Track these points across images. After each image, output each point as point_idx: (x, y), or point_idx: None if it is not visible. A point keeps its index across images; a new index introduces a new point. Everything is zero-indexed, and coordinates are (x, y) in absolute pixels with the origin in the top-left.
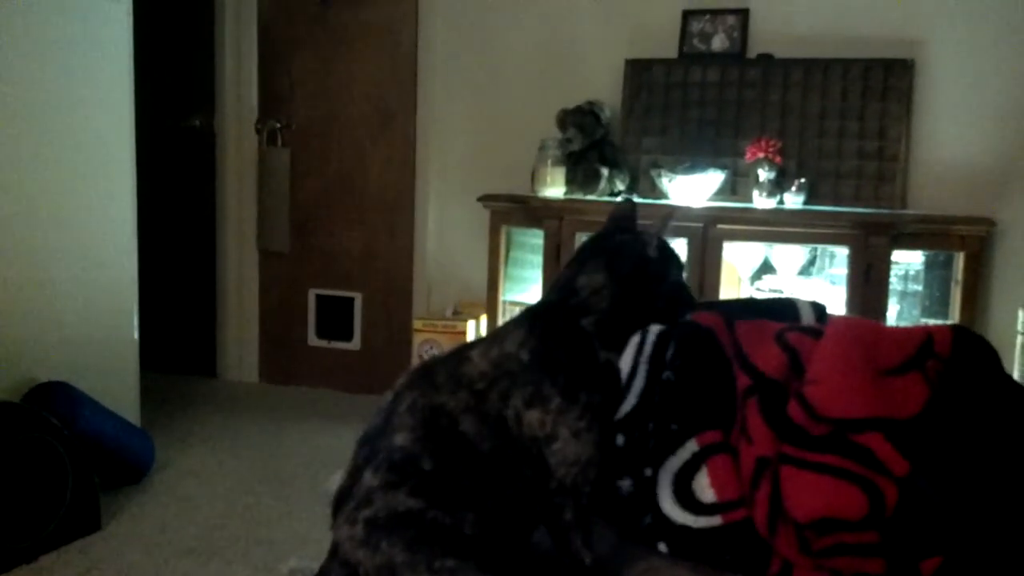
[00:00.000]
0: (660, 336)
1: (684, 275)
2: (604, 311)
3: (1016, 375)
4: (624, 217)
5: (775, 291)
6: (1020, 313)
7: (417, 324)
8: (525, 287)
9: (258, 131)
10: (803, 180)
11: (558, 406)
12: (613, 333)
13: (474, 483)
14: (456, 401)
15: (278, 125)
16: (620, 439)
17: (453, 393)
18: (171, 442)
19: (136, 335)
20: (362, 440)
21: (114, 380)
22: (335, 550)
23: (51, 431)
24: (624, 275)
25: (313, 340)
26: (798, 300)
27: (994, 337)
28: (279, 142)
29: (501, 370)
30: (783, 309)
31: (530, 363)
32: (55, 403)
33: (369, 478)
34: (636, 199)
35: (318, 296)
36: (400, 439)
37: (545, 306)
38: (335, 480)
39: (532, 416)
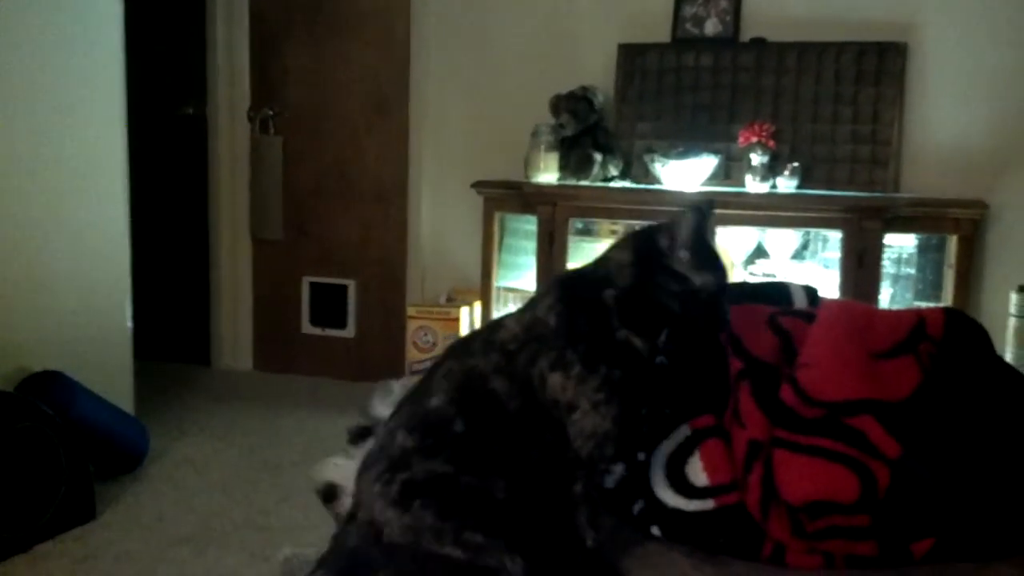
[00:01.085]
0: None
1: (718, 284)
2: (625, 288)
3: (1008, 357)
4: (695, 209)
5: (768, 275)
6: (1013, 296)
7: (411, 311)
8: (519, 273)
9: (251, 119)
10: (796, 164)
11: (579, 373)
12: (632, 312)
13: (502, 446)
14: (487, 362)
15: (271, 113)
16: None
17: (485, 355)
18: (166, 431)
19: (129, 324)
20: (397, 407)
21: (108, 369)
22: (355, 510)
23: (45, 420)
24: (645, 257)
25: (307, 328)
26: (791, 284)
27: (987, 320)
28: (272, 130)
29: (531, 334)
30: (776, 293)
31: (556, 328)
32: (49, 392)
33: (403, 438)
34: (630, 184)
35: (312, 284)
36: (435, 401)
37: (577, 273)
38: (324, 466)
39: (555, 379)
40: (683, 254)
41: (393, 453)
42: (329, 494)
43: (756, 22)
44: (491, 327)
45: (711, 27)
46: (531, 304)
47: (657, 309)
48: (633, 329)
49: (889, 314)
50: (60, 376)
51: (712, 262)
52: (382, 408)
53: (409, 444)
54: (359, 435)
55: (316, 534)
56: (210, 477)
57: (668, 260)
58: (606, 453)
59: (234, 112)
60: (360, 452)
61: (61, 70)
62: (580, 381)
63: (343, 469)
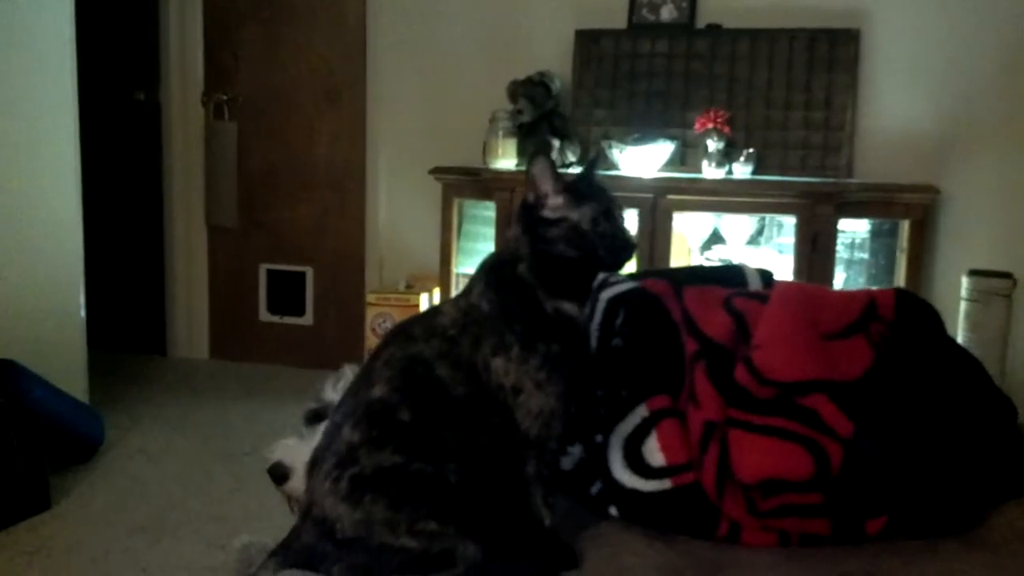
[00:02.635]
0: (610, 303)
1: (599, 209)
2: (528, 257)
3: (960, 340)
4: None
5: (724, 260)
6: (964, 279)
7: (370, 298)
8: (478, 260)
9: (204, 104)
10: (751, 151)
11: (518, 355)
12: (551, 280)
13: (451, 430)
14: (430, 348)
15: (224, 98)
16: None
17: (427, 342)
18: (121, 420)
19: (82, 312)
20: (342, 399)
21: (61, 358)
22: (308, 509)
23: None
24: (526, 220)
25: (264, 315)
26: (745, 267)
27: (939, 303)
28: (226, 116)
29: (470, 318)
30: (731, 276)
31: (489, 313)
32: (2, 382)
33: (348, 433)
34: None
35: (268, 271)
36: (378, 391)
37: (495, 258)
38: (276, 447)
39: (497, 364)
40: (556, 199)
41: (340, 449)
42: (280, 475)
43: (711, 8)
44: (430, 313)
45: (667, 13)
46: (467, 290)
47: (557, 262)
48: (557, 296)
49: (841, 295)
50: (13, 365)
51: (590, 194)
52: (333, 393)
53: (355, 439)
54: (312, 419)
55: (272, 522)
56: (165, 466)
57: (541, 211)
58: (553, 431)
59: (187, 98)
60: (312, 434)
61: (10, 56)
62: (521, 362)
63: (294, 450)
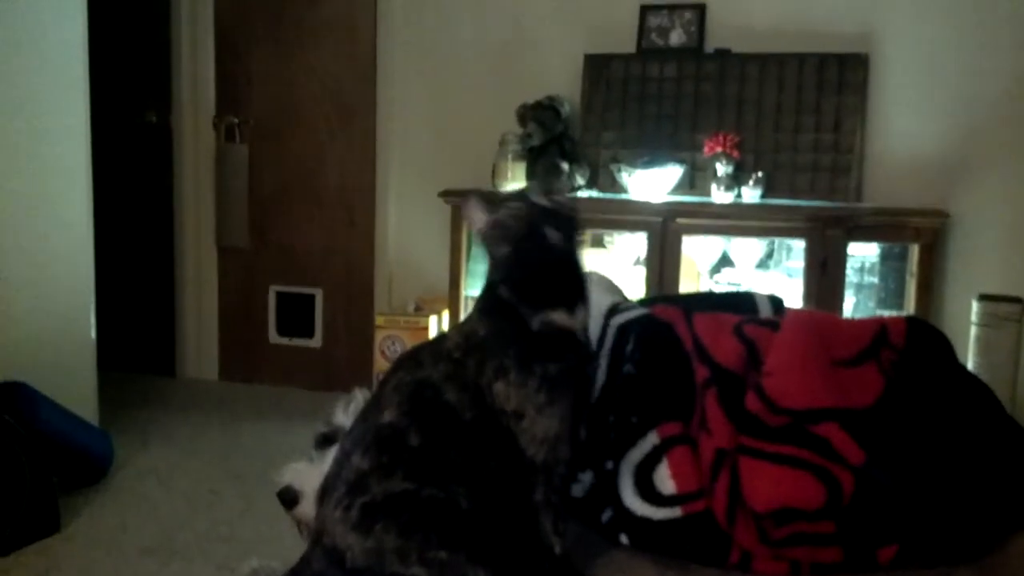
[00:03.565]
0: (620, 330)
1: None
2: (504, 276)
3: (970, 365)
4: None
5: (733, 285)
6: (974, 304)
7: (379, 320)
8: None
9: (215, 127)
10: (760, 174)
11: (516, 379)
12: (528, 289)
13: (461, 455)
14: (438, 372)
15: (236, 121)
16: (582, 432)
17: (435, 366)
18: (130, 441)
19: (93, 333)
20: (353, 425)
21: (71, 379)
22: (319, 537)
23: (8, 432)
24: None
25: (274, 337)
26: (756, 294)
27: (949, 327)
28: (237, 138)
29: (471, 343)
30: (741, 303)
31: (486, 337)
32: (12, 403)
33: (358, 461)
34: (596, 194)
35: (278, 293)
36: (387, 416)
37: (484, 284)
38: (286, 470)
39: (499, 388)
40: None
41: (350, 477)
42: (290, 499)
43: (720, 32)
44: (437, 339)
45: (676, 38)
46: (468, 316)
47: (521, 265)
48: (541, 306)
49: (852, 323)
50: (23, 387)
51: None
52: (344, 417)
53: (365, 466)
54: (322, 442)
55: (282, 545)
56: (175, 488)
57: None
58: (560, 455)
59: (198, 119)
60: (324, 457)
61: (24, 78)
62: (520, 386)
63: (304, 474)
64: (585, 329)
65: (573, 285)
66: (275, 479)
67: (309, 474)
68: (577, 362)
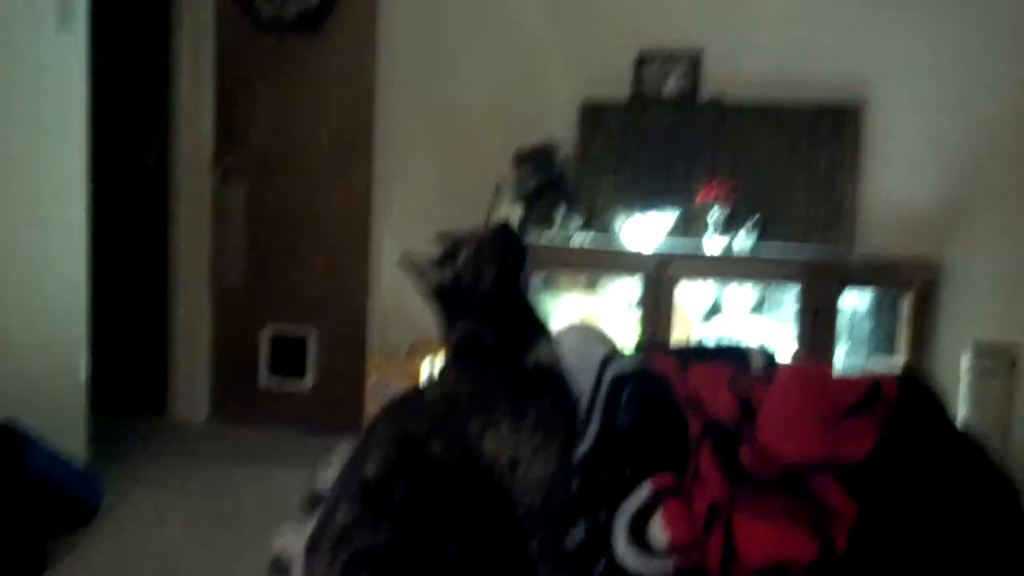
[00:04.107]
0: (614, 382)
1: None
2: (483, 322)
3: (962, 414)
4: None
5: (726, 331)
6: (966, 353)
7: (371, 363)
8: None
9: (213, 168)
10: (754, 221)
11: (509, 427)
12: (519, 333)
13: (447, 505)
14: (421, 424)
15: (233, 162)
16: (575, 483)
17: (418, 417)
18: (119, 484)
19: (83, 376)
20: (337, 477)
21: (62, 421)
22: None
23: None
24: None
25: (265, 379)
26: (748, 347)
27: (941, 376)
28: (234, 178)
29: (454, 398)
30: (733, 356)
31: (472, 394)
32: (1, 446)
33: (343, 513)
34: (591, 237)
35: (271, 334)
36: (371, 468)
37: (456, 346)
38: (281, 538)
39: (488, 443)
40: (438, 275)
41: (335, 529)
42: (281, 569)
43: (715, 80)
44: (419, 390)
45: (671, 85)
46: (442, 378)
47: (497, 300)
48: (527, 340)
49: (846, 378)
50: (13, 429)
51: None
52: (331, 474)
53: (350, 518)
54: (311, 504)
55: None
56: (164, 532)
57: (445, 289)
58: (556, 498)
59: (196, 161)
60: (311, 520)
61: (24, 120)
62: (514, 431)
63: (293, 541)
64: (563, 368)
65: (541, 317)
66: (273, 544)
67: (298, 540)
68: (565, 393)
